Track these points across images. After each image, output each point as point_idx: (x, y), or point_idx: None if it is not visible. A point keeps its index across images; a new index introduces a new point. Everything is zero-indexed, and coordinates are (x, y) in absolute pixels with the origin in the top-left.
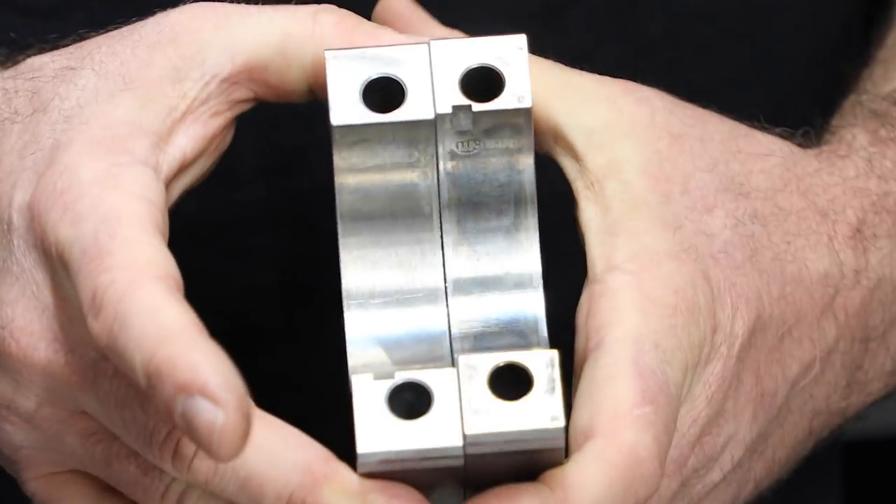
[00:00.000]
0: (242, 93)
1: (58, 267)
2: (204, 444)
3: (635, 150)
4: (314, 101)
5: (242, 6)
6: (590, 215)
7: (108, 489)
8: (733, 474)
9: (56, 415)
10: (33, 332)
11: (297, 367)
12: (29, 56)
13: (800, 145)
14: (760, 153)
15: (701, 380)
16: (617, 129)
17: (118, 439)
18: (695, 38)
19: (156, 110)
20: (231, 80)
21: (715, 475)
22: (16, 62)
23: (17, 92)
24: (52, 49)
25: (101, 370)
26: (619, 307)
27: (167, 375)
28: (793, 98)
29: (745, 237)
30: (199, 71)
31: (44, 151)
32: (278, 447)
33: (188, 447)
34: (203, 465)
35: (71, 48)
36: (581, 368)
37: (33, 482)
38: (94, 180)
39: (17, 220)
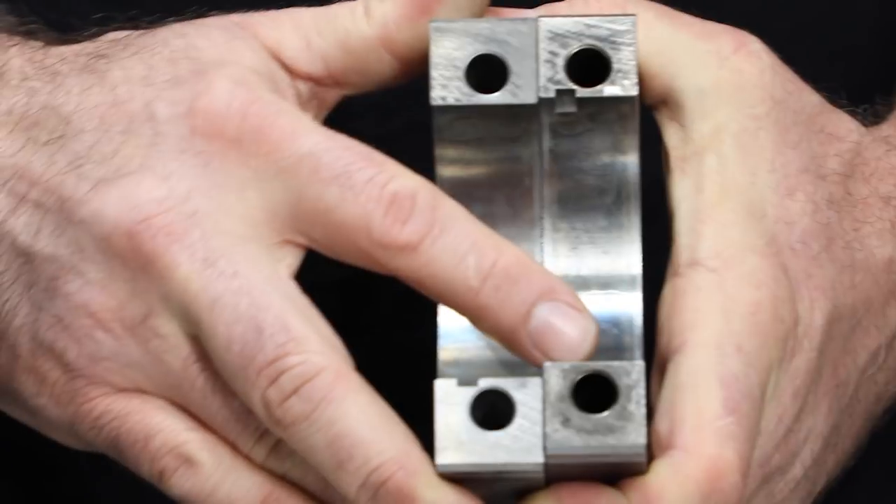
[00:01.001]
0: (331, 95)
1: (246, 151)
2: (566, 349)
3: (735, 116)
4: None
5: (288, 12)
6: (683, 192)
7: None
8: (812, 469)
9: (164, 328)
10: (172, 231)
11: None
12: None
13: (864, 124)
14: (838, 135)
15: (787, 375)
16: (724, 89)
17: None
18: (766, 28)
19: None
20: (317, 83)
21: (797, 471)
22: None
23: (96, 53)
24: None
25: (228, 286)
26: (702, 308)
27: (525, 278)
28: (864, 88)
29: (822, 225)
30: (285, 76)
31: (179, 76)
32: (384, 418)
33: (289, 383)
34: (297, 406)
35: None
36: (663, 367)
37: (104, 399)
38: (273, 96)
39: (169, 128)
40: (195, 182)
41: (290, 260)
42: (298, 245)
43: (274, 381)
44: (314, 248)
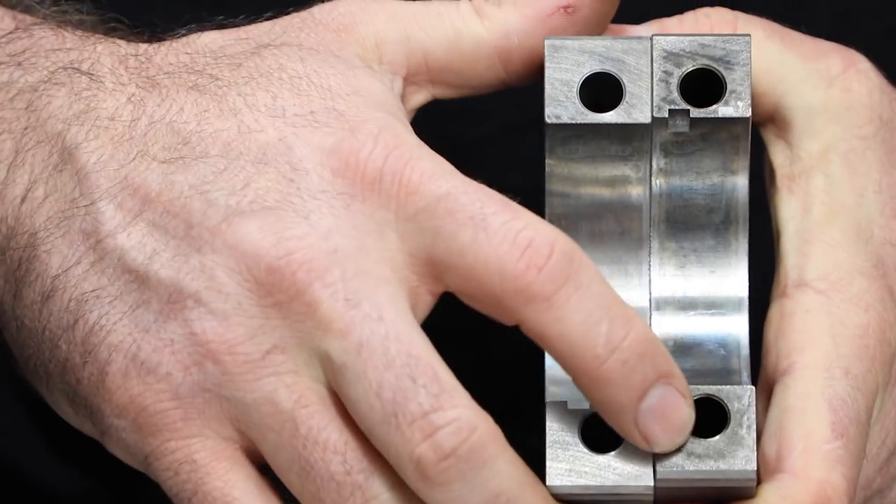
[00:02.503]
0: (419, 97)
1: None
2: (666, 436)
3: (844, 136)
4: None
5: (379, 2)
6: (790, 212)
7: (259, 482)
8: None
9: (284, 366)
10: (313, 268)
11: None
12: (191, 35)
13: None
14: None
15: (891, 398)
16: (833, 109)
17: (338, 425)
18: (861, 36)
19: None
20: (410, 81)
21: (894, 494)
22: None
23: (202, 71)
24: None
25: (374, 331)
26: (810, 330)
27: (650, 358)
28: None
29: None
30: (380, 68)
31: (315, 113)
32: (528, 474)
33: (447, 441)
34: (455, 467)
35: (240, 32)
36: (768, 388)
37: (192, 442)
38: (414, 139)
39: (309, 166)
40: (336, 222)
41: (422, 309)
42: (433, 293)
43: (429, 436)
44: (453, 292)
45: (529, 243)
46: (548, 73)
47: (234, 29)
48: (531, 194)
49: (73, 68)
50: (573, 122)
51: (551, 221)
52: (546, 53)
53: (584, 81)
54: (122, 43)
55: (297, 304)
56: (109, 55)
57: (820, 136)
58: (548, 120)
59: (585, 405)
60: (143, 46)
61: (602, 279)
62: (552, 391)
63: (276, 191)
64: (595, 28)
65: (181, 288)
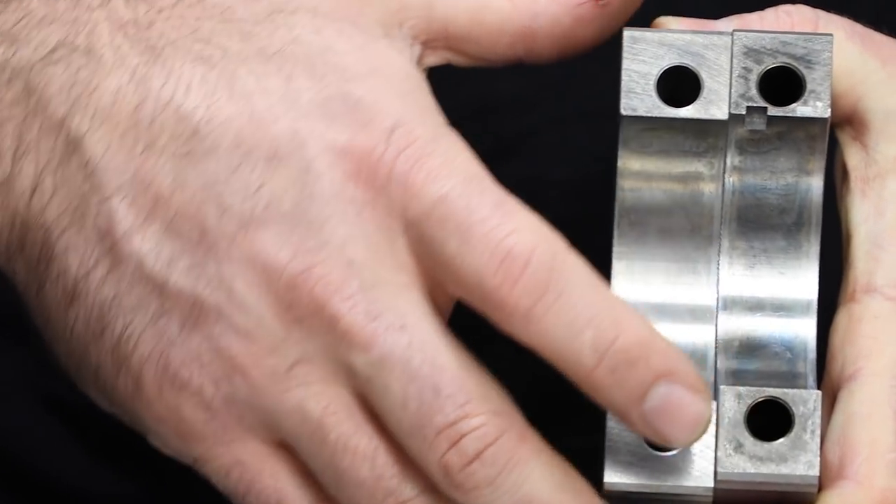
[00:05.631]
0: (433, 59)
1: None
2: (678, 434)
3: None
4: (528, 79)
5: None
6: (863, 216)
7: (306, 474)
8: None
9: (310, 376)
10: (330, 282)
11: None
12: None
13: None
14: None
15: None
16: None
17: (367, 430)
18: None
19: None
20: (427, 45)
21: None
22: None
23: (208, 39)
24: None
25: (397, 341)
26: (878, 337)
27: (644, 359)
28: None
29: None
30: (399, 33)
31: (329, 101)
32: (567, 477)
33: (471, 446)
34: (481, 472)
35: None
36: (833, 393)
37: (237, 446)
38: (431, 129)
39: (321, 167)
40: (349, 231)
41: (445, 310)
42: (451, 296)
43: (455, 443)
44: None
45: (507, 253)
46: (625, 64)
47: None
48: (575, 186)
49: (69, 43)
50: (649, 115)
51: (620, 216)
52: (624, 44)
53: (662, 75)
54: (121, 5)
55: (317, 319)
56: (107, 21)
57: None
58: (623, 112)
59: None
60: (142, 8)
61: (588, 280)
62: None
63: (290, 195)
64: (616, 24)
65: (202, 301)
